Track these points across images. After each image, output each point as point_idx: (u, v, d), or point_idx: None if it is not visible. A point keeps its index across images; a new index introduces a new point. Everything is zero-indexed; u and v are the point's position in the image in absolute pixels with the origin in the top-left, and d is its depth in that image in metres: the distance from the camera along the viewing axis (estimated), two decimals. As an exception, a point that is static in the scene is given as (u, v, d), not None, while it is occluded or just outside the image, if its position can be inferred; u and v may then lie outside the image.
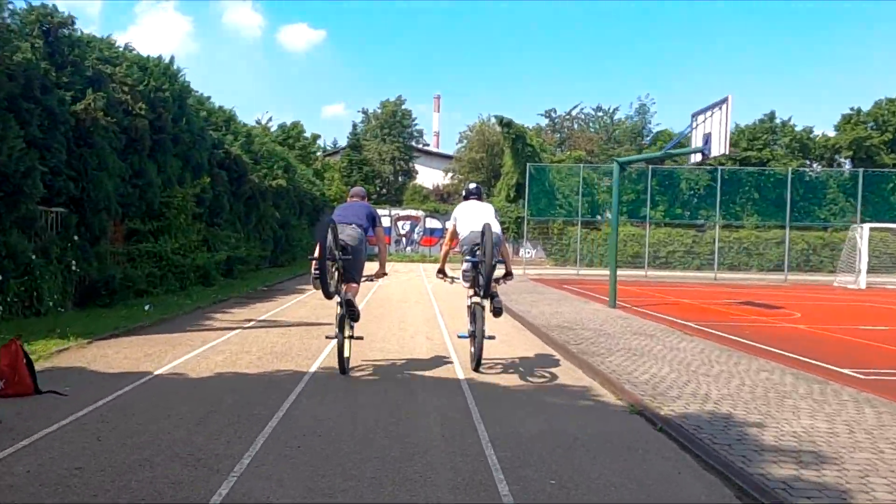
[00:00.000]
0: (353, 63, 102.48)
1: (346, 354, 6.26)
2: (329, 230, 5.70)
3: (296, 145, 35.74)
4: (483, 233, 6.20)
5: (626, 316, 11.55)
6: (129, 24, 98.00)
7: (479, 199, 7.18)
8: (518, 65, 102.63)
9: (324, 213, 31.78)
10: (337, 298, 6.14)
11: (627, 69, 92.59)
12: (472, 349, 6.73)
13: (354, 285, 6.33)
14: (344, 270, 6.18)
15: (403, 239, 36.88)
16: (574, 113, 48.04)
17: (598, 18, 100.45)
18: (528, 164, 28.42)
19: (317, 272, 5.66)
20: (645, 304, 14.00)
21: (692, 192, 37.59)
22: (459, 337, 7.30)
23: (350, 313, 6.16)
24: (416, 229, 37.25)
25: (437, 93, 68.97)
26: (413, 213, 37.45)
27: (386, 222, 34.73)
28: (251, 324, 9.74)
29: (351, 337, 6.43)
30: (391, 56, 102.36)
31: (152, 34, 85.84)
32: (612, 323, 10.46)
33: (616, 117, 47.78)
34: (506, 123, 34.50)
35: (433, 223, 37.22)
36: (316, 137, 38.03)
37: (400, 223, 37.10)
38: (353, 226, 6.29)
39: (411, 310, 12.37)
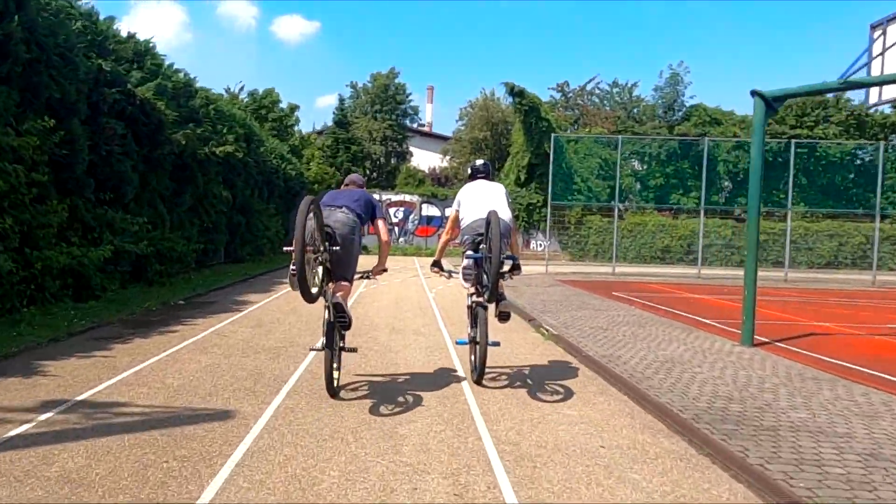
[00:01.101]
0: (347, 54, 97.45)
1: (334, 373, 4.88)
2: (310, 212, 4.26)
3: (269, 116, 30.05)
4: (488, 222, 5.05)
5: (809, 373, 6.17)
6: (122, 14, 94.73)
7: (488, 178, 5.95)
8: (518, 50, 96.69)
9: (300, 195, 26.52)
10: (322, 302, 4.88)
11: (645, 42, 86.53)
12: (473, 358, 5.61)
13: (345, 284, 4.97)
14: (331, 265, 4.86)
15: (396, 228, 31.41)
16: (589, 88, 42.39)
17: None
18: (553, 136, 22.89)
19: (294, 268, 4.27)
20: (786, 335, 8.64)
21: (730, 176, 32.74)
22: (458, 344, 6.16)
23: (340, 319, 4.75)
24: (411, 217, 31.79)
25: (430, 84, 63.46)
26: (407, 198, 32.01)
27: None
28: (32, 425, 4.23)
29: (342, 349, 5.09)
30: (386, 46, 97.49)
31: (146, 25, 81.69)
32: (821, 403, 5.09)
33: (634, 94, 42.18)
34: (517, 93, 28.87)
35: (430, 210, 31.84)
36: (294, 108, 32.17)
37: (392, 210, 31.61)
38: (344, 209, 4.98)
39: (409, 353, 6.95)
